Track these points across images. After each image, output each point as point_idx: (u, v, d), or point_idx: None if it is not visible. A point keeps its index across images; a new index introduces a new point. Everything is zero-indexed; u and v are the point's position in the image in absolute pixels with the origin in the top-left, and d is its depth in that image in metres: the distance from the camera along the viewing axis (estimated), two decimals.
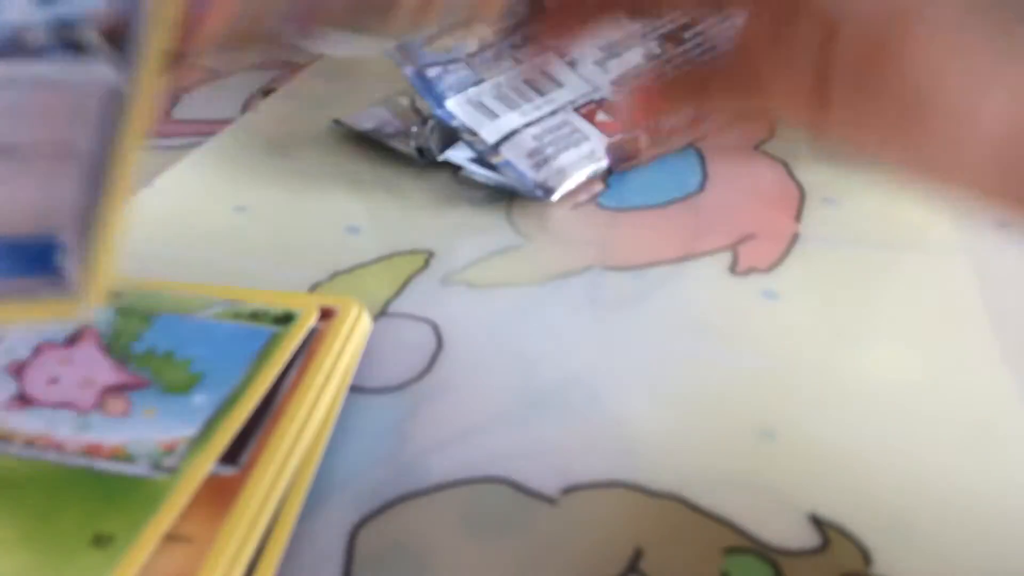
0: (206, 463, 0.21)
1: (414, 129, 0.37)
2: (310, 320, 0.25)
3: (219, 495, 0.21)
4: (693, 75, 0.23)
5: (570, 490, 0.23)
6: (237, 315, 0.25)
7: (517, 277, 0.30)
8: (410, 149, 0.36)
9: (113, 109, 0.19)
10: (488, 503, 0.22)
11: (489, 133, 0.35)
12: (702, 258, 0.31)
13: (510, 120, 0.35)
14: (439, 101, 0.35)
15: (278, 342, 0.24)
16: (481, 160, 0.34)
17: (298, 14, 0.38)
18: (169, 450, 0.21)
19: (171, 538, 0.20)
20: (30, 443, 0.22)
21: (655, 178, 0.35)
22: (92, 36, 0.19)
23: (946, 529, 0.21)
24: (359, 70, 0.43)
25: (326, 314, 0.26)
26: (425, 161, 0.36)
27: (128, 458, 0.21)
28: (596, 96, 0.37)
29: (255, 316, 0.25)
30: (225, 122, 0.41)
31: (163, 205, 0.34)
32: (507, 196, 0.34)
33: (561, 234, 0.33)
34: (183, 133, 0.40)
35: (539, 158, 0.34)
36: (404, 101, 0.39)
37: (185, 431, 0.22)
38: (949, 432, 0.24)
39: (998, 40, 0.16)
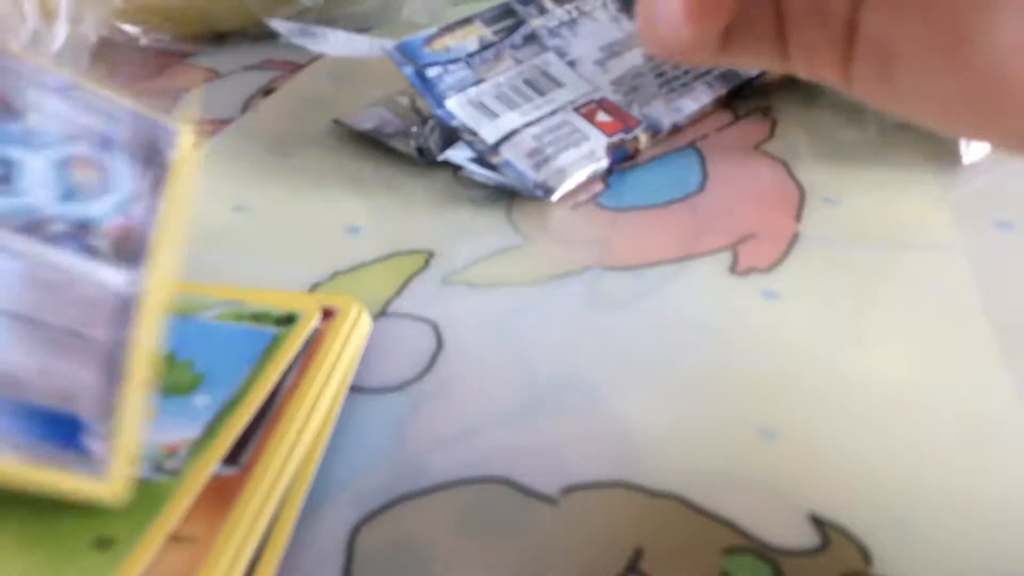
0: (208, 465, 0.21)
1: (414, 129, 0.37)
2: (312, 321, 0.25)
3: (219, 495, 0.21)
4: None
5: (570, 490, 0.23)
6: (239, 316, 0.25)
7: (517, 277, 0.30)
8: (410, 149, 0.36)
9: (125, 313, 0.20)
10: (488, 503, 0.22)
11: (489, 133, 0.35)
12: (702, 258, 0.31)
13: (510, 120, 0.35)
14: (439, 101, 0.35)
15: (280, 343, 0.24)
16: (481, 160, 0.34)
17: None
18: (171, 452, 0.21)
19: (171, 538, 0.20)
20: None
21: (655, 178, 0.36)
22: (105, 244, 0.20)
23: (946, 529, 0.21)
24: (359, 70, 0.43)
25: (326, 314, 0.26)
26: (425, 161, 0.36)
27: None
28: (596, 96, 0.37)
29: (257, 317, 0.25)
30: (225, 122, 0.41)
31: None
32: (507, 196, 0.35)
33: (561, 234, 0.33)
34: None
35: (539, 158, 0.34)
36: (404, 101, 0.39)
37: (187, 433, 0.22)
38: (949, 432, 0.24)
39: None
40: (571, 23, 0.40)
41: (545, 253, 0.32)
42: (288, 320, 0.25)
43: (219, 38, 0.51)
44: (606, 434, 0.24)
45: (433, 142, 0.36)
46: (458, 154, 0.35)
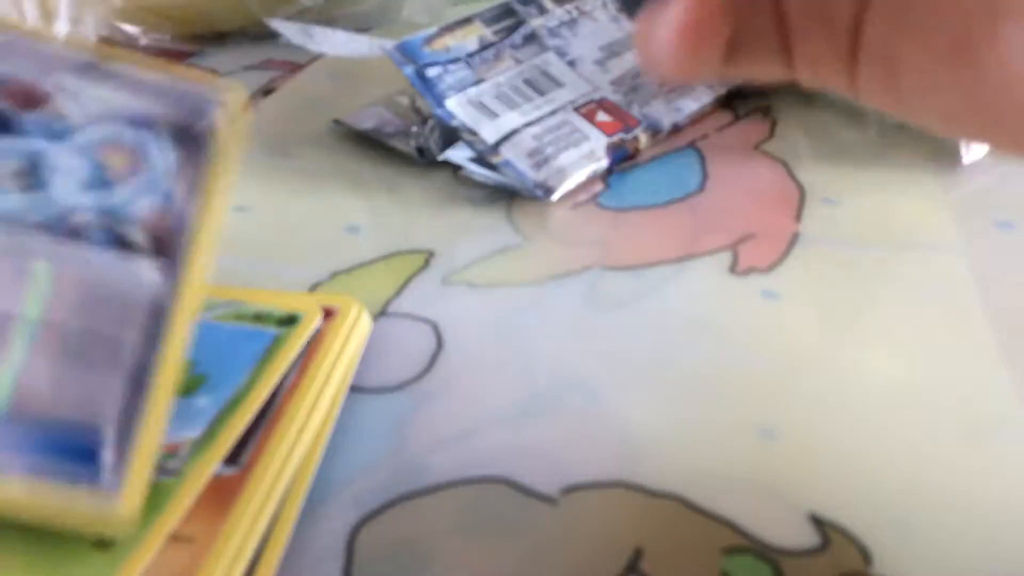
0: (210, 466, 0.21)
1: (414, 129, 0.37)
2: (314, 322, 0.25)
3: (219, 495, 0.21)
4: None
5: (570, 490, 0.23)
6: (240, 317, 0.25)
7: (517, 277, 0.30)
8: (410, 149, 0.36)
9: (157, 320, 0.19)
10: (488, 503, 0.22)
11: (489, 133, 0.35)
12: (702, 258, 0.31)
13: (510, 120, 0.35)
14: (439, 101, 0.35)
15: (282, 344, 0.24)
16: (481, 160, 0.34)
17: None
18: (172, 452, 0.21)
19: (171, 538, 0.20)
20: None
21: (655, 178, 0.36)
22: (139, 236, 0.19)
23: (946, 529, 0.21)
24: (359, 70, 0.43)
25: (326, 314, 0.26)
26: (425, 161, 0.36)
27: None
28: (596, 96, 0.37)
29: (258, 318, 0.25)
30: None
31: None
32: (507, 196, 0.35)
33: (561, 234, 0.33)
34: None
35: (539, 158, 0.34)
36: (404, 101, 0.39)
37: (188, 433, 0.22)
38: (949, 432, 0.24)
39: None
40: (571, 23, 0.40)
41: (545, 253, 0.32)
42: (290, 321, 0.25)
43: (219, 38, 0.51)
44: (606, 434, 0.24)
45: (433, 142, 0.36)
46: (458, 154, 0.35)
